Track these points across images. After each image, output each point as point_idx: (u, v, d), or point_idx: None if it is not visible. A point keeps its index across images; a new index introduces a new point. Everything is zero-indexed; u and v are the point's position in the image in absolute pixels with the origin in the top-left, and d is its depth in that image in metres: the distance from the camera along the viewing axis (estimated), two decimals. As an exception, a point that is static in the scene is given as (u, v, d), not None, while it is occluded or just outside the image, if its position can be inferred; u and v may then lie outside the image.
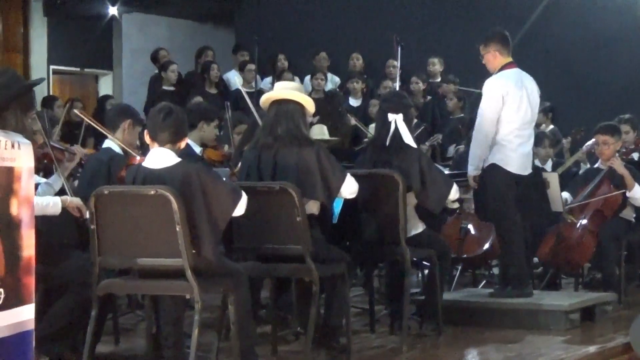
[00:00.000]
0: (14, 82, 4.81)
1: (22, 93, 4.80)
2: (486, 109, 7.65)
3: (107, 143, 6.76)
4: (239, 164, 6.95)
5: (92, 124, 6.99)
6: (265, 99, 6.67)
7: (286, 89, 6.70)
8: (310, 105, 6.61)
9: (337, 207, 6.78)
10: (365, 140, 9.80)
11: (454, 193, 7.11)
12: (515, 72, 7.74)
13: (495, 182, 7.66)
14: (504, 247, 7.87)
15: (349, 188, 6.42)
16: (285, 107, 6.53)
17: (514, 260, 7.73)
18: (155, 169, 5.68)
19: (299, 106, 6.54)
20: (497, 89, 7.63)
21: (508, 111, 7.62)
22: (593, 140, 9.09)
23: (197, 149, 7.70)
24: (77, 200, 5.89)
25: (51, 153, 6.24)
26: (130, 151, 6.53)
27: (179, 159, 5.70)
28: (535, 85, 7.83)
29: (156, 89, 12.86)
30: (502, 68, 7.72)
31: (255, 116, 7.87)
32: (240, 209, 5.69)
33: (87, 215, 5.69)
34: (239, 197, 5.68)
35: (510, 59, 7.76)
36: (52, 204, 5.72)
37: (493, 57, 7.74)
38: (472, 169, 7.74)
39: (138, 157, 6.19)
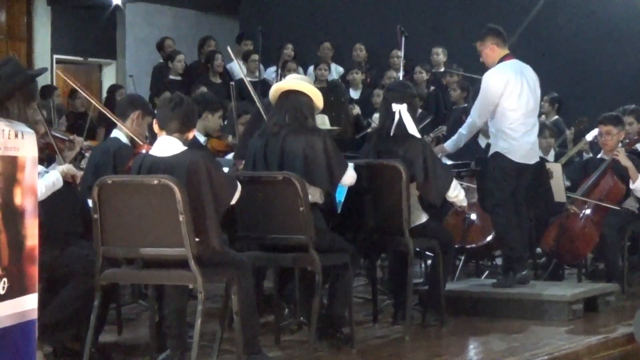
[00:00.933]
0: (17, 71, 4.79)
1: (24, 83, 4.79)
2: (484, 98, 7.72)
3: (115, 133, 6.76)
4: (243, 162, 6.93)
5: (104, 110, 7.03)
6: (275, 89, 6.67)
7: (297, 80, 6.72)
8: (318, 100, 6.61)
9: (340, 196, 6.77)
10: (370, 130, 9.77)
11: (453, 190, 7.09)
12: (514, 63, 7.81)
13: (498, 170, 7.68)
14: (497, 233, 7.92)
15: (349, 178, 6.53)
16: (294, 97, 6.54)
17: (508, 244, 7.76)
18: (161, 157, 5.69)
19: (308, 98, 6.55)
20: (496, 79, 7.70)
21: (510, 99, 7.66)
22: (596, 130, 9.08)
23: (202, 139, 7.70)
24: (72, 168, 5.91)
25: (53, 143, 6.23)
26: (137, 140, 6.52)
27: (185, 147, 5.71)
28: (535, 75, 7.87)
29: (162, 79, 12.84)
30: (501, 60, 7.77)
31: (259, 105, 7.85)
32: (234, 200, 5.79)
33: (79, 180, 5.83)
34: (236, 187, 5.78)
35: (507, 51, 7.84)
36: (55, 180, 5.74)
37: (491, 50, 7.81)
38: (452, 145, 7.88)
39: (145, 146, 6.18)
